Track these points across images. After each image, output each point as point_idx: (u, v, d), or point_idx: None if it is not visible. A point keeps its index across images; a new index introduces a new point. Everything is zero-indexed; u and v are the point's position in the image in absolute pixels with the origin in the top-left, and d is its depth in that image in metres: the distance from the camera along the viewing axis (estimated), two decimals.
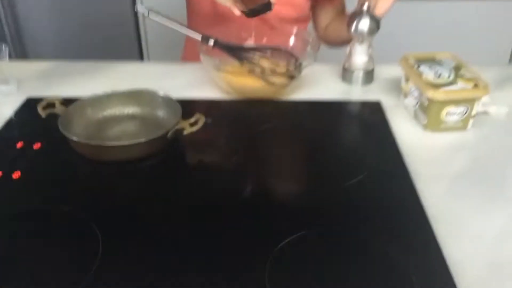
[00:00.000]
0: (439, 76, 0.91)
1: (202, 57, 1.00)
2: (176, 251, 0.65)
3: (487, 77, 0.92)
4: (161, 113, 0.92)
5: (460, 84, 0.88)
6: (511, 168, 0.82)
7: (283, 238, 0.66)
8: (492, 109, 0.95)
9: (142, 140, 0.79)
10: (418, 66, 0.95)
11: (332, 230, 0.69)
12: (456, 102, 0.87)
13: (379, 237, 0.67)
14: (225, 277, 0.62)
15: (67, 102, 0.90)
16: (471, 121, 0.90)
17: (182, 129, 0.83)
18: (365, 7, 1.02)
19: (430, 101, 0.87)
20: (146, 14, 1.00)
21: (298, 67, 0.98)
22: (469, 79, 0.89)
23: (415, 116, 0.94)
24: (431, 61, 0.96)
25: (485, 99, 0.90)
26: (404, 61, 0.97)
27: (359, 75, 1.06)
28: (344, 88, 1.07)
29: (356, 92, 1.06)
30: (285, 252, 0.65)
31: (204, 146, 0.86)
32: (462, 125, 0.90)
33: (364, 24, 1.02)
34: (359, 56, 1.06)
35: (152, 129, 0.89)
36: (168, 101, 0.91)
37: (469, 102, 0.87)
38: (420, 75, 0.92)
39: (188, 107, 0.90)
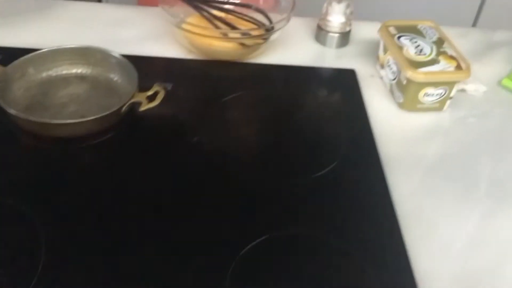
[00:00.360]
0: (420, 51, 0.84)
1: (160, 7, 0.89)
2: (127, 253, 0.60)
3: (465, 48, 0.87)
4: (114, 76, 0.83)
5: (442, 63, 0.82)
6: (485, 157, 0.78)
7: (246, 243, 0.61)
8: (470, 87, 0.90)
9: (91, 118, 0.70)
10: (399, 38, 0.87)
11: (297, 232, 0.64)
12: (436, 85, 0.81)
13: (346, 241, 0.64)
14: (183, 283, 0.57)
15: (4, 55, 0.79)
16: (448, 102, 0.85)
17: (139, 103, 0.74)
18: None
19: (409, 81, 0.81)
20: None
21: (271, 29, 0.89)
22: (451, 58, 0.83)
23: (391, 91, 0.88)
24: (413, 31, 0.89)
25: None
26: (384, 30, 0.89)
27: (334, 37, 0.98)
28: (318, 49, 0.99)
29: (329, 56, 0.98)
30: (248, 258, 0.60)
31: (162, 121, 0.77)
32: (438, 106, 0.85)
33: None
34: (336, 16, 0.97)
35: (104, 95, 0.80)
36: (123, 64, 0.81)
37: (449, 84, 0.82)
38: (400, 48, 0.84)
39: (144, 67, 0.81)
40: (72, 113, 0.77)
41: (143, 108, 0.73)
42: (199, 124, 0.78)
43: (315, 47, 1.00)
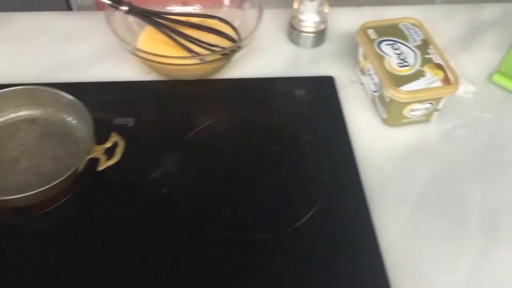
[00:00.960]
0: (404, 62, 0.76)
1: (108, 26, 0.78)
2: None
3: (451, 34, 0.79)
4: (68, 116, 0.74)
5: (427, 75, 0.74)
6: (476, 179, 0.73)
7: None
8: (459, 90, 0.83)
9: (42, 189, 0.63)
10: (380, 43, 0.79)
11: None
12: (422, 101, 0.74)
13: None
14: None
15: None
16: (435, 114, 0.78)
17: (96, 159, 0.67)
18: None
19: (392, 99, 0.74)
20: None
21: (236, 48, 0.79)
22: (437, 67, 0.75)
23: (373, 101, 0.81)
24: (394, 33, 0.80)
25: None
26: (362, 34, 0.80)
27: (308, 37, 0.89)
28: (291, 51, 0.90)
29: (304, 58, 0.89)
30: None
31: (125, 173, 0.70)
32: (425, 119, 0.78)
33: None
34: (309, 15, 0.87)
35: (58, 142, 0.73)
36: (75, 105, 0.72)
37: (436, 99, 0.75)
38: (381, 59, 0.76)
39: (99, 98, 0.75)
40: (25, 170, 0.69)
41: (101, 167, 0.66)
42: (165, 171, 0.71)
43: (288, 48, 0.90)
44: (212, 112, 0.79)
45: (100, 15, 0.81)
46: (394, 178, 0.73)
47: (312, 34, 0.88)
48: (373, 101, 0.81)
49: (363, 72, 0.82)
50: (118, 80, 0.82)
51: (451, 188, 0.72)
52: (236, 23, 0.88)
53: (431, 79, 0.74)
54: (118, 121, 0.76)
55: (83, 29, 0.90)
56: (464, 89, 0.83)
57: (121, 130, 0.74)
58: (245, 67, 0.85)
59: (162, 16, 0.83)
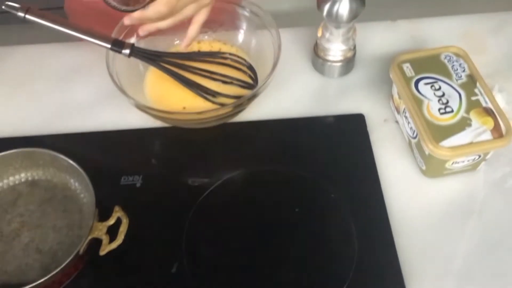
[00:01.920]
0: (446, 107, 0.65)
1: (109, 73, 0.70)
2: None
3: (501, 51, 0.75)
4: (70, 178, 0.68)
5: (474, 125, 0.63)
6: None
7: None
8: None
9: (41, 280, 0.57)
10: (417, 82, 0.68)
11: None
12: (467, 154, 0.64)
13: None
14: None
15: None
16: (483, 163, 0.68)
17: (98, 239, 0.60)
18: None
19: (431, 154, 0.64)
20: (21, 14, 0.68)
21: (255, 94, 0.70)
22: (485, 113, 0.64)
23: (410, 146, 0.71)
24: (435, 67, 0.69)
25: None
26: (396, 70, 0.69)
27: (335, 67, 0.79)
28: (316, 82, 0.80)
29: (331, 91, 0.79)
30: None
31: (131, 246, 0.63)
32: (471, 168, 0.68)
33: (344, 5, 0.71)
34: (335, 45, 0.76)
35: (61, 209, 0.67)
36: (75, 170, 0.65)
37: (484, 151, 0.65)
38: (419, 103, 0.66)
39: (101, 152, 0.70)
40: (25, 246, 0.64)
41: (103, 251, 0.59)
42: (175, 244, 0.64)
43: (312, 77, 0.81)
44: (227, 166, 0.71)
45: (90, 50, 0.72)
46: (434, 244, 0.64)
47: (339, 64, 0.78)
48: (409, 145, 0.71)
49: (398, 110, 0.72)
50: (123, 128, 0.75)
51: (504, 255, 0.62)
52: (252, 45, 0.79)
53: (478, 130, 0.63)
54: (125, 181, 0.69)
55: (85, 64, 0.82)
56: None
57: (129, 193, 0.68)
58: (265, 102, 0.76)
59: (169, 55, 0.74)
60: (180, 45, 0.81)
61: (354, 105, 0.77)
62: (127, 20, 0.69)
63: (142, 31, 0.71)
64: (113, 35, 0.73)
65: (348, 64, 0.79)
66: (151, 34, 0.72)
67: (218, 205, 0.67)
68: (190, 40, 0.74)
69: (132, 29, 0.76)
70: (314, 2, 0.73)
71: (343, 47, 0.76)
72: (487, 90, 0.67)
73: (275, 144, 0.74)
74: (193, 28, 0.73)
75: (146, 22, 0.69)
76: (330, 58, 0.77)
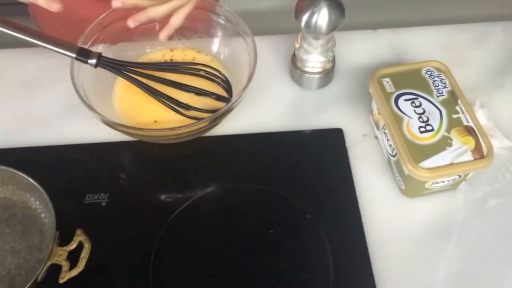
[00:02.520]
0: (426, 124, 0.63)
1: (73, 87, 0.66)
2: None
3: (484, 67, 0.73)
4: (30, 196, 0.64)
5: (455, 145, 0.61)
6: None
7: None
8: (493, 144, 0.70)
9: None
10: (397, 99, 0.65)
11: None
12: (447, 175, 0.62)
13: None
14: None
15: None
16: (463, 183, 0.66)
17: (57, 264, 0.57)
18: None
19: (410, 175, 0.61)
20: None
21: (229, 109, 0.66)
22: (466, 132, 0.62)
23: (389, 164, 0.68)
24: (415, 83, 0.66)
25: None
26: (375, 85, 0.67)
27: (313, 78, 0.75)
28: (293, 93, 0.77)
29: (308, 104, 0.76)
30: None
31: (92, 271, 0.59)
32: (451, 187, 0.66)
33: (323, 16, 0.67)
34: (313, 56, 0.73)
35: (20, 231, 0.63)
36: (35, 188, 0.61)
37: (465, 172, 0.62)
38: (398, 120, 0.63)
39: (64, 168, 0.67)
40: None
41: (63, 279, 0.55)
42: (142, 268, 0.60)
43: (290, 89, 0.77)
44: (200, 183, 0.68)
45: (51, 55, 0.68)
46: (412, 268, 0.61)
47: (317, 75, 0.75)
48: (389, 163, 0.68)
49: (377, 126, 0.70)
50: (88, 141, 0.71)
51: (483, 280, 0.60)
52: (227, 54, 0.76)
53: (459, 150, 0.61)
54: (90, 199, 0.65)
55: (48, 71, 0.78)
56: (498, 144, 0.70)
57: (93, 213, 0.64)
58: (240, 114, 0.72)
59: (139, 66, 0.70)
60: (151, 53, 0.77)
61: (332, 119, 0.74)
62: (116, 2, 0.62)
63: (133, 21, 0.66)
64: (79, 43, 0.69)
65: (327, 75, 0.76)
66: (142, 24, 0.67)
67: (189, 226, 0.64)
68: (172, 30, 0.68)
69: (99, 37, 0.72)
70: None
71: (322, 58, 0.73)
72: (468, 108, 0.64)
73: (250, 159, 0.71)
74: (177, 17, 0.67)
75: (137, 8, 0.65)
76: (308, 69, 0.74)
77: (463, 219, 0.65)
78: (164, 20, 0.70)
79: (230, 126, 0.72)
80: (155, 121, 0.70)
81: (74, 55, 0.66)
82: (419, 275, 0.61)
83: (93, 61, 0.66)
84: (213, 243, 0.63)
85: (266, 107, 0.75)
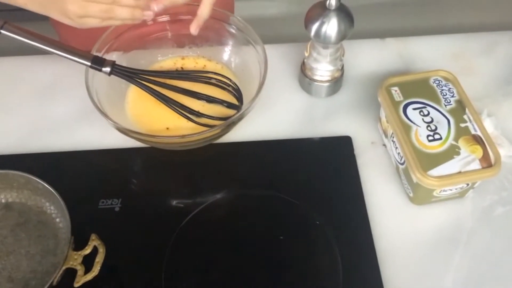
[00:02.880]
0: (434, 133, 0.64)
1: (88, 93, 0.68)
2: None
3: (490, 73, 0.75)
4: (45, 201, 0.66)
5: (463, 154, 0.62)
6: None
7: None
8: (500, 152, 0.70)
9: None
10: (405, 107, 0.66)
11: None
12: (455, 184, 0.62)
13: None
14: None
15: None
16: (471, 191, 0.67)
17: (72, 268, 0.58)
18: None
19: (418, 183, 0.62)
20: None
21: (240, 108, 0.68)
22: (474, 141, 0.63)
23: (397, 171, 0.69)
24: (424, 92, 0.68)
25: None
26: (384, 94, 0.68)
27: (322, 87, 0.77)
28: (302, 100, 0.78)
29: (317, 111, 0.77)
30: None
31: (107, 275, 0.60)
32: (459, 195, 0.67)
33: (332, 26, 0.69)
34: (322, 65, 0.74)
35: (35, 235, 0.64)
36: (50, 193, 0.63)
37: (472, 181, 0.63)
38: (407, 129, 0.64)
39: (76, 174, 0.68)
40: None
41: (78, 283, 0.57)
42: (155, 272, 0.61)
43: (299, 97, 0.79)
44: (210, 189, 0.69)
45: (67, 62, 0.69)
46: (420, 276, 0.62)
47: (326, 84, 0.76)
48: (397, 170, 0.69)
49: (386, 134, 0.71)
50: (102, 147, 0.72)
51: None
52: (237, 62, 0.77)
53: (467, 158, 0.62)
54: (103, 204, 0.67)
55: (63, 78, 0.79)
56: (505, 152, 0.70)
57: (107, 218, 0.66)
58: (250, 122, 0.73)
59: (152, 74, 0.72)
60: (163, 61, 0.79)
61: (341, 127, 0.75)
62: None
63: (157, 4, 0.66)
64: (93, 51, 0.70)
65: (336, 84, 0.77)
66: (165, 9, 0.68)
67: (200, 231, 0.65)
68: (201, 21, 0.69)
69: (113, 45, 0.73)
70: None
71: (331, 67, 0.74)
72: (476, 117, 0.65)
73: (260, 166, 0.72)
74: (205, 8, 0.68)
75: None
76: (317, 78, 0.76)
77: (471, 227, 0.66)
78: (175, 27, 0.72)
79: (240, 133, 0.74)
80: (167, 128, 0.71)
81: (89, 63, 0.67)
82: (427, 282, 0.62)
83: (107, 69, 0.68)
84: (224, 248, 0.64)
85: (275, 114, 0.77)
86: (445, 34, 0.86)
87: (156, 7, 0.66)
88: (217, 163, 0.72)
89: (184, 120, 0.71)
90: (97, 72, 0.69)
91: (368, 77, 0.80)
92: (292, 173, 0.71)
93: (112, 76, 0.69)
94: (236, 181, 0.70)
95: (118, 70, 0.69)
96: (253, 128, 0.74)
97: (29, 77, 0.81)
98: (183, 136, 0.65)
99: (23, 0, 0.63)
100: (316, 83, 0.76)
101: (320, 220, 0.66)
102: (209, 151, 0.72)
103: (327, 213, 0.66)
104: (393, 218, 0.67)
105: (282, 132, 0.75)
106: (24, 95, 0.79)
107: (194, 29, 0.69)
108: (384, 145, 0.72)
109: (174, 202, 0.68)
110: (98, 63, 0.68)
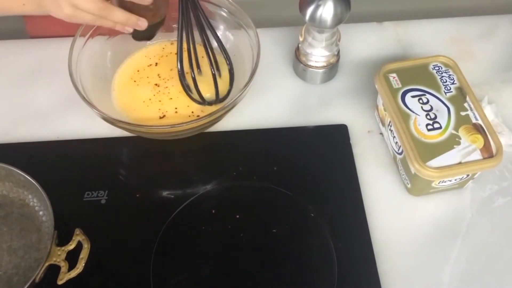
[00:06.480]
0: (433, 122, 0.61)
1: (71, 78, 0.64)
2: None
3: (489, 58, 0.72)
4: (28, 194, 0.63)
5: (463, 144, 0.59)
6: None
7: None
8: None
9: None
10: (403, 95, 0.64)
11: None
12: (455, 175, 0.60)
13: None
14: None
15: None
16: (470, 182, 0.64)
17: (56, 264, 0.55)
18: None
19: (417, 174, 0.60)
20: None
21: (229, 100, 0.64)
22: (475, 130, 0.60)
23: (395, 161, 0.67)
24: (423, 79, 0.65)
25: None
26: (381, 80, 0.65)
27: (317, 73, 0.74)
28: (297, 87, 0.75)
29: (312, 99, 0.74)
30: None
31: (92, 272, 0.58)
32: (458, 186, 0.64)
33: (328, 10, 0.66)
34: (317, 51, 0.71)
35: (17, 228, 0.62)
36: (32, 186, 0.60)
37: (473, 172, 0.61)
38: (405, 117, 0.62)
39: (65, 163, 0.65)
40: None
41: (61, 280, 0.54)
42: (142, 268, 0.59)
43: (294, 84, 0.76)
44: (201, 180, 0.66)
45: (68, 43, 0.66)
46: (418, 269, 0.60)
47: (321, 70, 0.73)
48: (394, 160, 0.67)
49: (383, 122, 0.68)
50: (87, 136, 0.69)
51: (490, 280, 0.59)
52: (229, 47, 0.73)
53: (467, 149, 0.59)
54: (89, 196, 0.64)
55: (45, 64, 0.76)
56: (506, 141, 0.68)
57: (92, 210, 0.63)
58: (242, 109, 0.71)
59: None
60: (151, 45, 0.75)
61: (336, 115, 0.72)
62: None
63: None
64: (77, 35, 0.67)
65: (331, 70, 0.74)
66: None
67: (191, 224, 0.62)
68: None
69: (98, 29, 0.70)
70: None
71: (326, 53, 0.71)
72: (477, 105, 0.63)
73: (252, 156, 0.69)
74: None
75: None
76: (312, 63, 0.73)
77: (470, 218, 0.64)
78: None
79: (231, 121, 0.71)
80: (160, 118, 0.68)
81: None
82: (425, 274, 0.60)
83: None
84: (215, 241, 0.62)
85: (268, 101, 0.74)
86: (444, 18, 0.83)
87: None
88: (208, 153, 0.70)
89: (175, 106, 0.68)
90: (80, 57, 0.66)
91: (365, 63, 0.77)
92: (286, 164, 0.68)
93: (95, 61, 0.66)
94: (227, 172, 0.68)
95: None
96: (245, 116, 0.72)
97: (9, 64, 0.77)
98: (172, 126, 0.62)
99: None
100: (311, 69, 0.73)
101: (314, 212, 0.63)
102: (200, 141, 0.69)
103: (322, 205, 0.64)
104: (390, 210, 0.64)
105: (275, 120, 0.72)
106: (4, 83, 0.75)
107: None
108: (381, 134, 0.70)
109: (164, 194, 0.66)
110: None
